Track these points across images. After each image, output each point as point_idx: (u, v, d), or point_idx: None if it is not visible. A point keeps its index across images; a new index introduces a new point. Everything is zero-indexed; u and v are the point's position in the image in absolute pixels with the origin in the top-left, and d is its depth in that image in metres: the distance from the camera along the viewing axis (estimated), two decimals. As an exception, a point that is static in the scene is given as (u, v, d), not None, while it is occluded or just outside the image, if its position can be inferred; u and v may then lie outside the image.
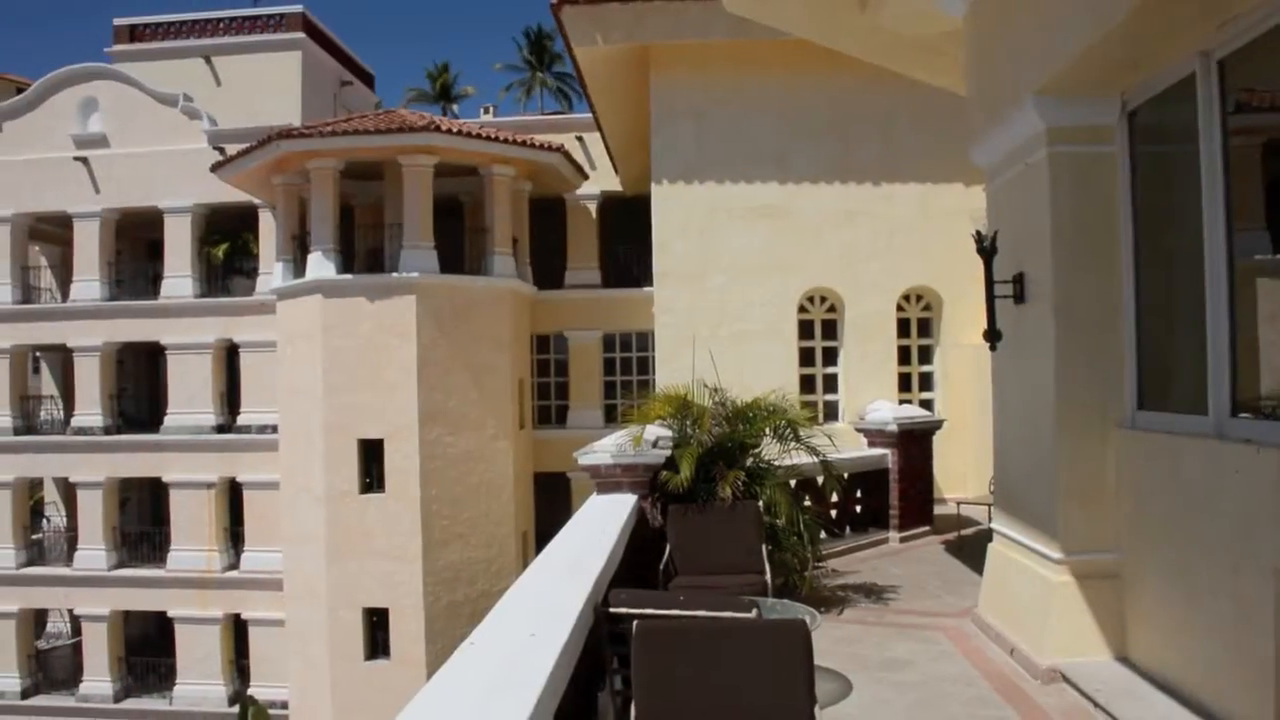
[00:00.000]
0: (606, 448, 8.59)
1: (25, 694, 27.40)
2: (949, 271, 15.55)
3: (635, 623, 4.48)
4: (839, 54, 11.05)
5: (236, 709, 23.67)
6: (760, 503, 8.58)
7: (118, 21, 30.26)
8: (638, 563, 7.67)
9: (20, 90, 35.27)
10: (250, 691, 24.90)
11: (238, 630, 26.26)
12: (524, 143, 22.54)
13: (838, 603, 9.20)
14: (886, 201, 15.91)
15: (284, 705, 22.96)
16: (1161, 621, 5.80)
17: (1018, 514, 7.30)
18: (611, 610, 5.23)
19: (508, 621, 4.44)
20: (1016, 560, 7.21)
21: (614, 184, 24.92)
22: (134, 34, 30.08)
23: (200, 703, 25.93)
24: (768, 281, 15.82)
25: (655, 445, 8.62)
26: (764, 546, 8.02)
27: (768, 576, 7.59)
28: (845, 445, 11.95)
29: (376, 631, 21.11)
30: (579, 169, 24.60)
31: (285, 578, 23.13)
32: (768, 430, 9.23)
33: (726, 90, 16.05)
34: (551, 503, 23.66)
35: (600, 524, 7.08)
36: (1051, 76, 6.17)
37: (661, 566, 7.87)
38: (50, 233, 29.21)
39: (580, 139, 25.68)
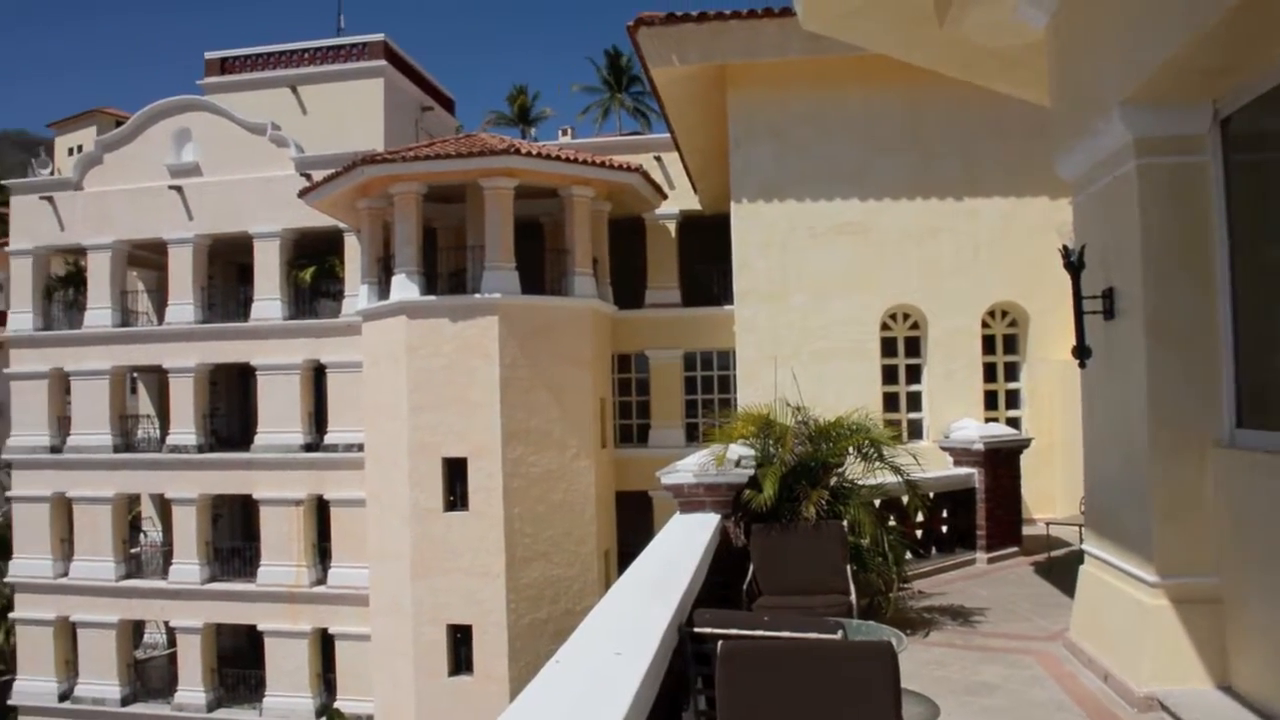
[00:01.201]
0: (689, 467, 8.57)
1: (125, 701, 28.32)
2: (1034, 287, 15.26)
3: (720, 643, 4.45)
4: (918, 68, 10.93)
5: (324, 722, 24.11)
6: (844, 522, 8.47)
7: (209, 55, 31.25)
8: (720, 582, 7.63)
9: (120, 123, 36.61)
10: (336, 705, 25.35)
11: (325, 644, 26.74)
12: (602, 164, 22.70)
13: (924, 625, 9.05)
14: (969, 216, 15.66)
15: (369, 719, 23.27)
16: (1267, 648, 5.58)
17: (1110, 535, 7.11)
18: (696, 630, 5.20)
19: (593, 640, 4.44)
20: (1110, 583, 7.01)
21: (693, 203, 24.94)
22: (224, 66, 31.03)
23: (289, 714, 26.43)
24: (849, 299, 15.66)
25: (738, 464, 8.58)
26: (848, 567, 7.92)
27: (852, 597, 7.50)
28: (930, 464, 11.76)
29: (460, 648, 21.29)
30: (657, 189, 24.69)
31: (371, 593, 23.47)
32: (851, 449, 9.13)
33: (805, 107, 15.96)
34: (633, 522, 23.68)
35: (684, 543, 7.05)
36: (1139, 85, 6.03)
37: (744, 586, 7.81)
38: (147, 259, 30.17)
39: (658, 159, 25.79)
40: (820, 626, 5.19)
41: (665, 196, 25.31)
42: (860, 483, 9.26)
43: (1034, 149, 14.06)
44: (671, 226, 26.13)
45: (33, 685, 29.09)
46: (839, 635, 5.02)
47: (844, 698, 4.20)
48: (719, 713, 4.28)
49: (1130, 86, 6.11)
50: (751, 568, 8.01)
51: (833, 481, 8.99)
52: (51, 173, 36.48)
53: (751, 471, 8.66)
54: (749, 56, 15.46)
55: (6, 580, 30.33)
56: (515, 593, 21.02)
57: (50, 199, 29.46)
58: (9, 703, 29.93)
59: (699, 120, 18.05)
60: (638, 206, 25.10)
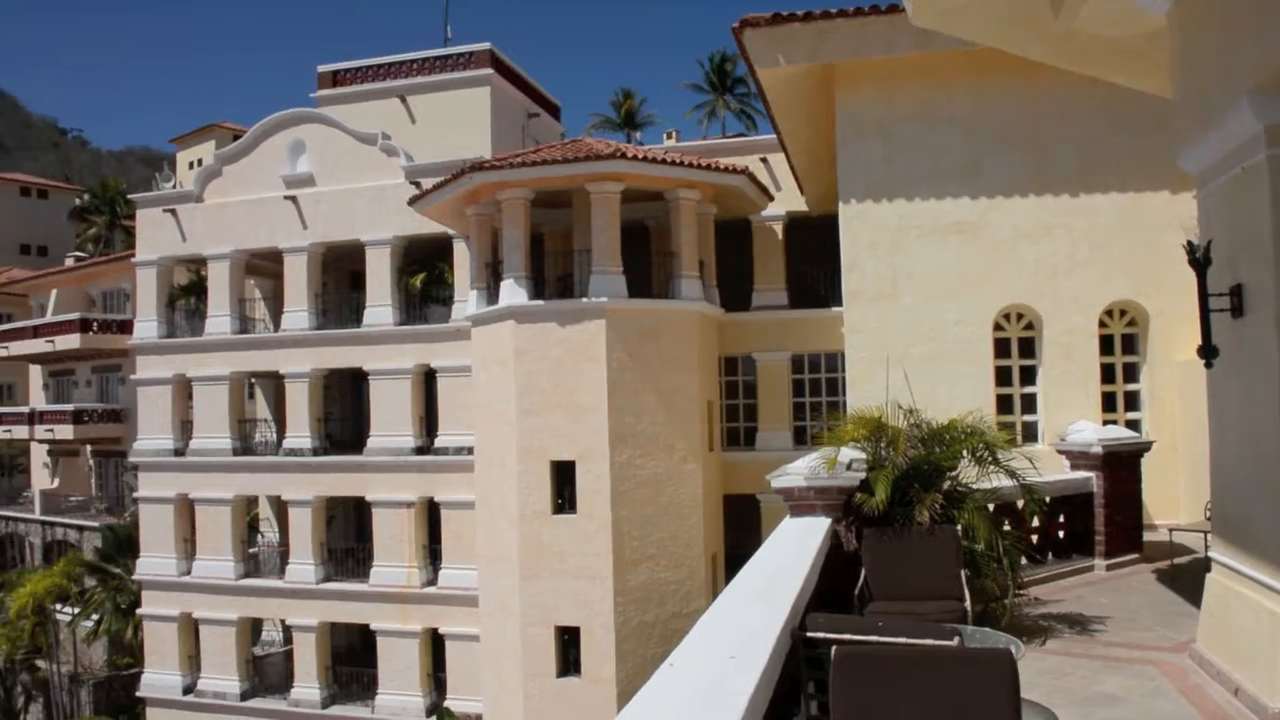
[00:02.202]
0: (800, 470, 8.51)
1: (244, 696, 29.30)
2: (1155, 284, 14.76)
3: (834, 648, 4.40)
4: (1031, 61, 10.66)
5: (434, 719, 24.50)
6: (958, 527, 8.31)
7: (321, 68, 32.10)
8: (831, 587, 7.54)
9: (236, 137, 37.88)
10: (446, 703, 25.74)
11: (435, 644, 27.20)
12: (708, 166, 22.66)
13: (1040, 632, 8.82)
14: (1086, 212, 15.20)
15: (478, 718, 23.61)
16: None
17: (1240, 542, 6.83)
18: (809, 634, 5.16)
19: (707, 643, 4.44)
20: (1240, 592, 6.73)
21: (799, 204, 24.73)
22: (336, 79, 31.84)
23: (400, 712, 26.94)
24: (961, 299, 15.34)
25: (849, 468, 8.49)
26: (962, 572, 7.77)
27: (967, 603, 7.36)
28: (1046, 468, 11.45)
29: (568, 649, 21.45)
30: (764, 190, 24.55)
31: (480, 594, 23.80)
32: (965, 452, 8.96)
33: (914, 104, 15.70)
34: (741, 525, 23.59)
35: (795, 547, 7.01)
36: (1269, 73, 5.78)
37: (856, 591, 7.72)
38: (263, 267, 31.12)
39: (764, 160, 25.65)
40: (936, 633, 5.10)
41: (771, 198, 25.16)
42: (974, 487, 9.07)
43: (1154, 142, 13.68)
44: (778, 228, 25.98)
45: (159, 678, 30.29)
46: (955, 642, 4.91)
47: (961, 706, 4.11)
48: (832, 718, 4.22)
49: (1261, 73, 5.87)
50: (863, 572, 7.91)
51: (946, 485, 8.83)
52: (174, 186, 37.90)
53: (863, 475, 8.56)
54: (856, 54, 15.26)
55: (134, 577, 31.60)
56: (622, 595, 21.09)
57: (173, 211, 30.62)
58: (137, 694, 31.24)
59: (805, 120, 17.89)
60: (744, 209, 25.00)
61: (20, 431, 45.21)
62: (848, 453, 8.73)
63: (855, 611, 7.44)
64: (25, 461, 49.73)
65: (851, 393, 15.44)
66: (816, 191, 22.50)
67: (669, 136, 44.28)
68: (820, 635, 5.12)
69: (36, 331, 44.29)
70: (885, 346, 15.06)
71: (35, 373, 48.57)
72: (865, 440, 9.20)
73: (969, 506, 8.67)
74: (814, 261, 23.83)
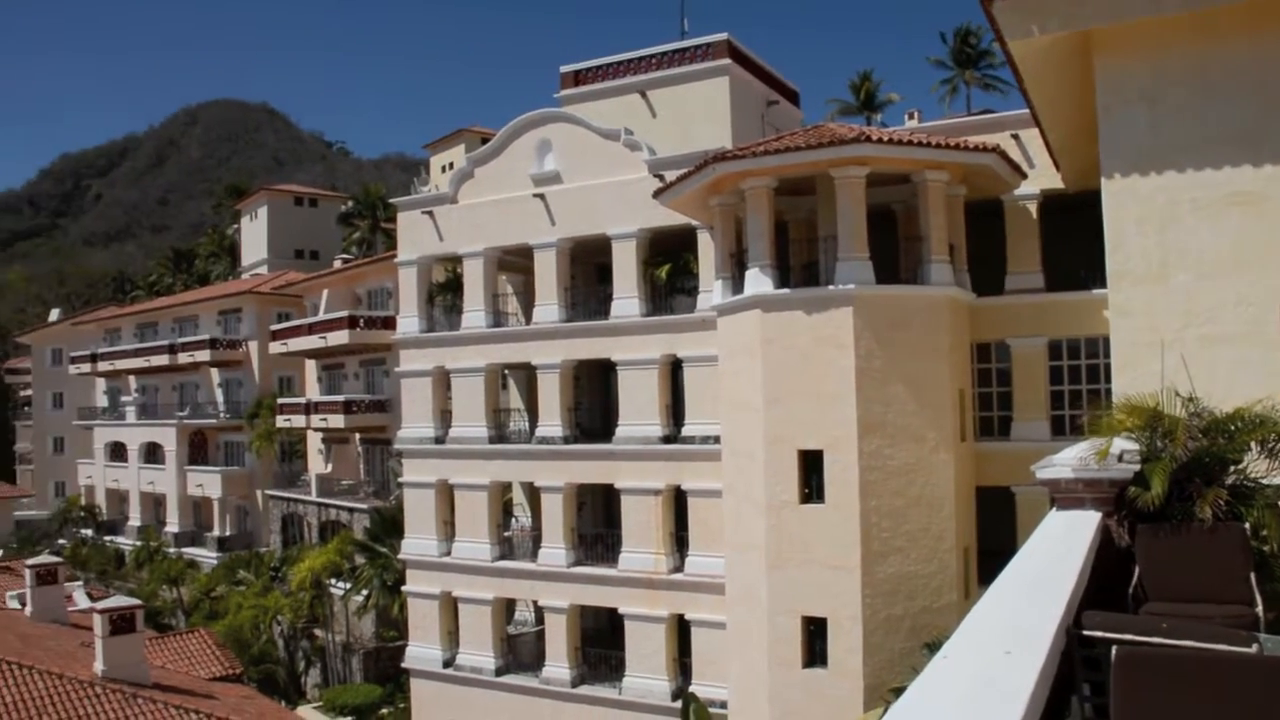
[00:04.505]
0: (1066, 461, 8.09)
1: (498, 672, 30.74)
2: None
3: (1114, 649, 4.15)
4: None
5: (679, 704, 24.83)
6: (1245, 525, 7.68)
7: (564, 68, 32.99)
8: (1100, 585, 7.13)
9: (486, 140, 39.63)
10: (692, 689, 26.02)
11: (682, 629, 27.55)
12: (956, 145, 21.92)
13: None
14: (1391, 177, 13.76)
15: (723, 705, 23.77)
16: None
17: None
18: (1085, 633, 4.89)
19: (979, 637, 4.28)
20: None
21: (1055, 181, 23.47)
22: (578, 78, 32.65)
23: (646, 695, 27.49)
24: (1243, 277, 14.15)
25: (1120, 459, 8.00)
26: (1251, 575, 7.17)
27: (1258, 609, 6.78)
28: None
29: (814, 640, 21.29)
30: (1016, 168, 23.46)
31: (726, 582, 23.95)
32: (1253, 444, 8.27)
33: (1183, 67, 14.57)
34: (994, 518, 22.69)
35: (1064, 541, 6.71)
36: None
37: (1129, 591, 7.26)
38: (514, 263, 32.34)
39: (1016, 137, 24.47)
40: (1230, 638, 4.73)
41: (1025, 176, 23.98)
42: (1265, 482, 8.35)
43: None
44: (1032, 207, 24.73)
45: (421, 651, 32.18)
46: (1254, 649, 4.54)
47: (1262, 718, 3.78)
48: (1113, 722, 3.99)
49: None
50: (1137, 570, 7.43)
51: (1230, 479, 8.18)
52: (429, 189, 39.95)
53: (1136, 467, 8.04)
54: (1118, 17, 14.32)
55: (399, 557, 33.66)
56: (871, 587, 20.73)
57: (430, 213, 32.26)
58: (402, 665, 33.44)
59: (1060, 92, 16.97)
60: (995, 188, 23.97)
61: (298, 420, 49.07)
62: (1119, 443, 8.22)
63: (1129, 612, 7.00)
64: (303, 448, 53.82)
65: (1117, 379, 14.53)
66: (1074, 167, 21.29)
67: (910, 117, 43.08)
68: (1097, 634, 4.85)
69: (311, 329, 47.83)
70: (1155, 330, 14.09)
71: (310, 367, 52.44)
72: (1138, 430, 8.64)
73: (1259, 503, 7.98)
74: (1072, 241, 22.53)
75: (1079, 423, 9.97)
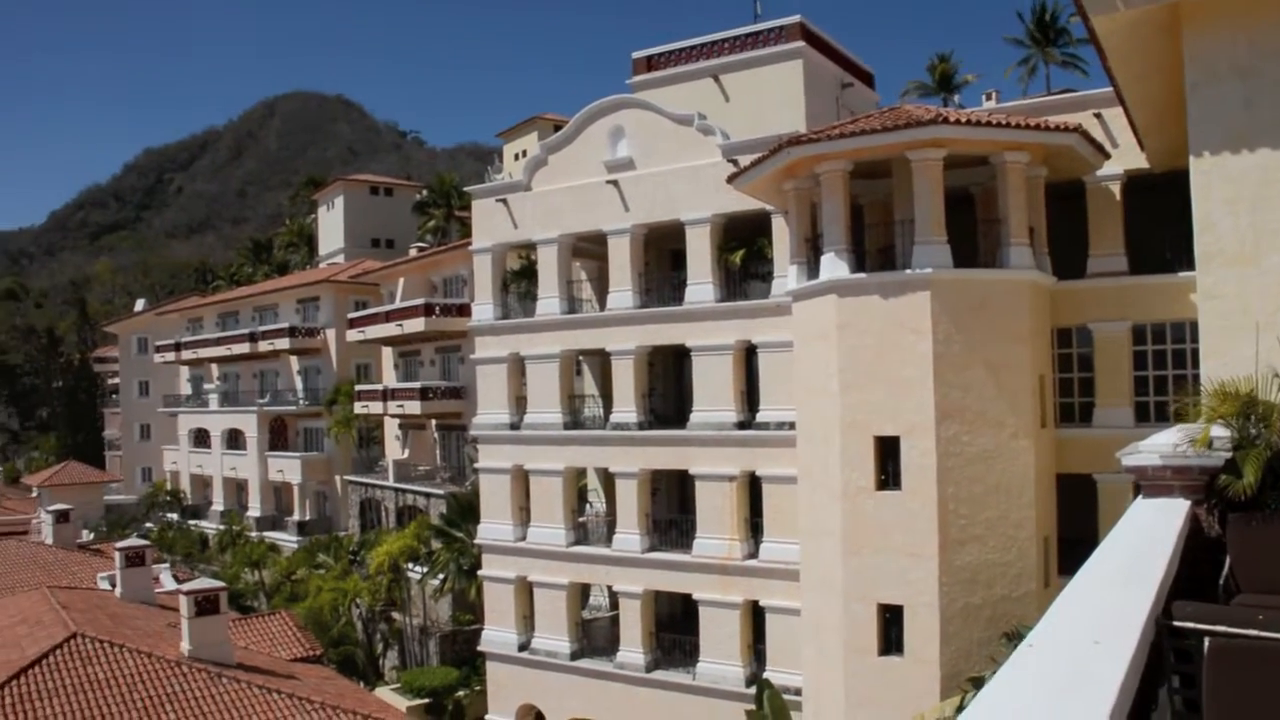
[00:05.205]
0: (1154, 447, 7.89)
1: (573, 656, 30.96)
2: None
3: (1208, 641, 4.03)
4: None
5: (753, 690, 24.82)
6: (1345, 514, 7.44)
7: (636, 54, 32.95)
8: (1190, 575, 6.95)
9: (558, 127, 39.78)
10: (766, 675, 25.97)
11: (755, 616, 27.52)
12: (1036, 126, 21.51)
13: None
14: None
15: (797, 691, 23.70)
16: None
17: None
18: (1175, 624, 4.76)
19: (1066, 626, 4.19)
20: None
21: (1139, 161, 22.88)
22: (650, 64, 32.59)
23: (720, 681, 27.49)
24: (1341, 258, 13.74)
25: (1210, 446, 7.79)
26: (1351, 566, 6.94)
27: (1358, 601, 6.55)
28: None
29: (890, 628, 21.12)
30: (1099, 148, 22.92)
31: (801, 569, 23.82)
32: (1355, 431, 8.00)
33: (1278, 39, 14.15)
34: (1074, 507, 22.26)
35: (1152, 530, 6.54)
36: None
37: (1220, 582, 7.07)
38: (588, 250, 32.44)
39: (1098, 116, 23.88)
40: (1334, 631, 4.56)
41: (1108, 156, 23.40)
42: (1367, 469, 8.08)
43: None
44: (1115, 188, 24.14)
45: (497, 635, 32.53)
46: (1361, 642, 4.39)
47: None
48: (1205, 716, 3.88)
49: None
50: (1228, 561, 7.23)
51: (1330, 467, 7.92)
52: (503, 177, 40.21)
53: (1227, 454, 7.83)
54: (1209, -10, 13.95)
55: (475, 541, 34.03)
56: (948, 575, 20.49)
57: (504, 201, 32.46)
58: (478, 648, 33.85)
59: (1146, 68, 16.51)
60: (1077, 169, 23.44)
61: (375, 407, 49.83)
62: (1211, 430, 8.01)
63: (1220, 604, 6.82)
64: (380, 434, 54.63)
65: (1205, 364, 14.15)
66: (1160, 146, 20.73)
67: (988, 98, 42.25)
68: (1189, 625, 4.72)
69: (388, 317, 48.53)
70: (1247, 313, 13.69)
71: (387, 354, 53.21)
72: (1232, 417, 8.41)
73: (1359, 491, 7.74)
74: (1157, 223, 22.01)
75: (1163, 409, 9.72)
